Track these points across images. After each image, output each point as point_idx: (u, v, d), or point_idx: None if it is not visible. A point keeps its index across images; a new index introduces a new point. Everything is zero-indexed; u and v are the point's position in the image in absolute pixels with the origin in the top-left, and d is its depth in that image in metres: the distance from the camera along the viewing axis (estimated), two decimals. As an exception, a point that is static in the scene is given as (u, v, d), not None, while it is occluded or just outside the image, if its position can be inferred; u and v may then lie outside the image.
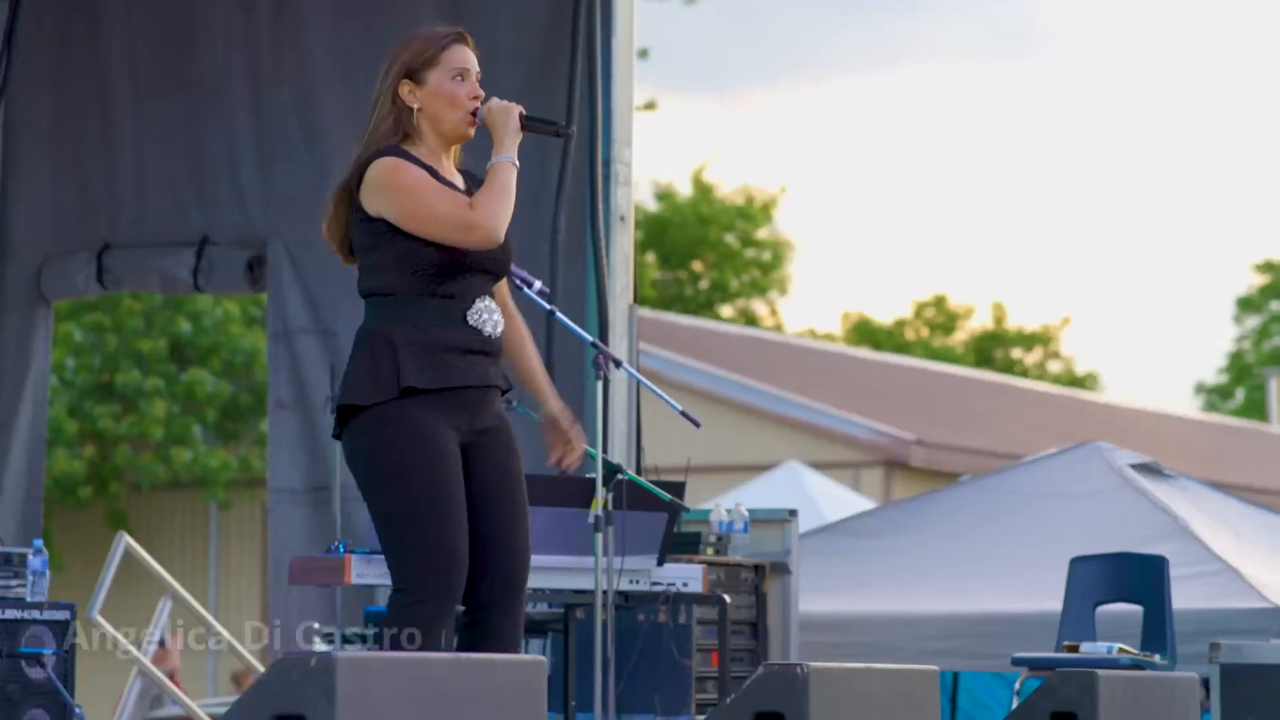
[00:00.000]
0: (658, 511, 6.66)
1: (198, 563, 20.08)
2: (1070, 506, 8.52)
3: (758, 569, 7.55)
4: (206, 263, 9.06)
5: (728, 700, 4.70)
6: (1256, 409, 35.06)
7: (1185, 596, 7.48)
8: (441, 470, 4.72)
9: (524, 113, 4.95)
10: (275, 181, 8.88)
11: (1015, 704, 6.40)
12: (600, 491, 6.11)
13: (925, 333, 36.53)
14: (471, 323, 4.81)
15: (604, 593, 6.07)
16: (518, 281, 6.27)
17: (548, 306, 6.28)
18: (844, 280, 52.71)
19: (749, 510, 7.63)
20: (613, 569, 6.10)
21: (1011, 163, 53.13)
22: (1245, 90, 52.83)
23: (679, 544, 7.47)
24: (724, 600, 6.93)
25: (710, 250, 33.72)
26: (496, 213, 4.78)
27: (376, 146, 4.84)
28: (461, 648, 4.73)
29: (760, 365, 21.35)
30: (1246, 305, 37.33)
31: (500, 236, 4.80)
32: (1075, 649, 6.83)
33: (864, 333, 35.95)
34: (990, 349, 36.36)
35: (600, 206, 8.24)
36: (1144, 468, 8.77)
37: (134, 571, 8.07)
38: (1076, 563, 7.33)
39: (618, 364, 6.23)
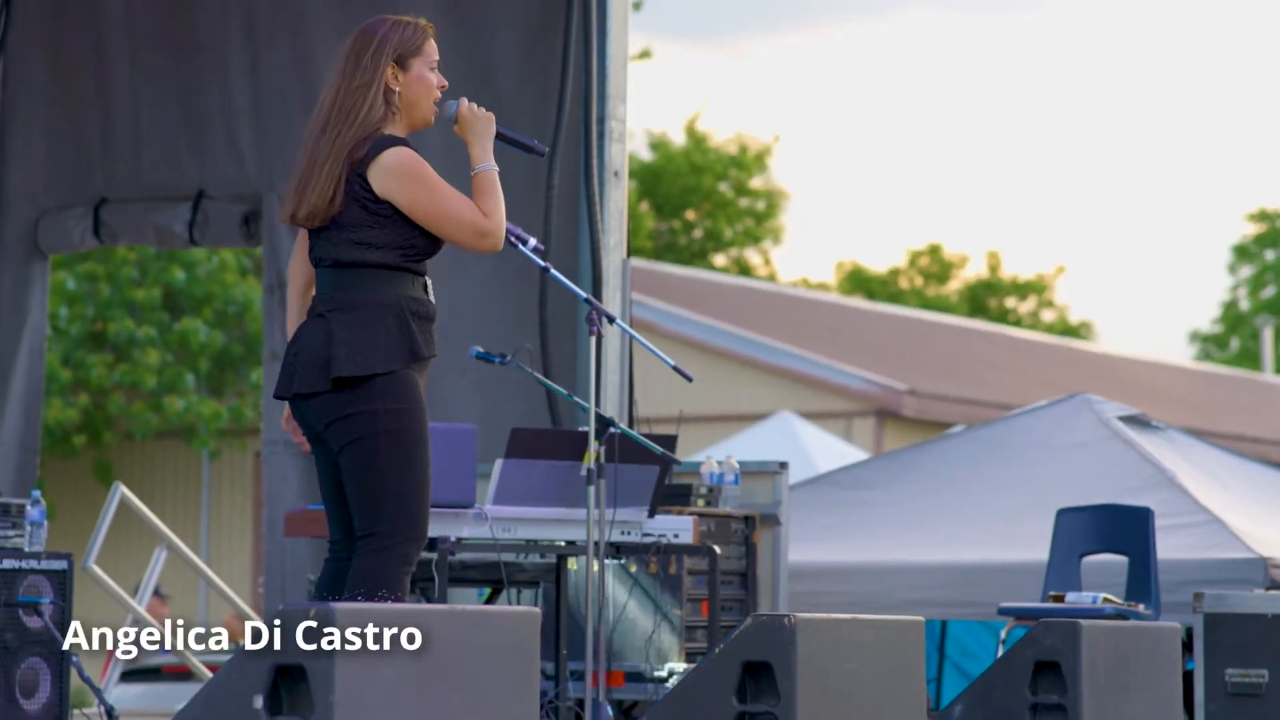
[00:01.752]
0: (649, 464, 6.74)
1: (189, 512, 20.17)
2: (1058, 458, 8.60)
3: (748, 520, 7.64)
4: (202, 217, 9.12)
5: (716, 650, 4.79)
6: (1250, 358, 35.15)
7: (1171, 547, 7.57)
8: (428, 432, 5.05)
9: (500, 129, 5.20)
10: (271, 136, 8.94)
11: (1001, 653, 6.49)
12: (592, 445, 6.19)
13: (919, 282, 36.58)
14: (430, 295, 5.12)
15: (595, 543, 6.16)
16: (513, 239, 6.33)
17: (542, 264, 6.34)
18: (838, 229, 52.74)
19: (740, 462, 7.71)
20: (604, 520, 6.18)
21: (1007, 112, 53.10)
22: (1241, 40, 52.77)
23: (670, 496, 7.56)
24: (714, 551, 7.02)
25: (704, 199, 33.73)
26: (500, 219, 5.07)
27: (374, 128, 5.02)
28: (329, 593, 4.97)
29: (753, 315, 21.41)
30: (1242, 254, 37.38)
31: (501, 244, 5.13)
32: (1061, 599, 6.92)
33: (858, 282, 36.01)
34: (984, 298, 36.41)
35: (594, 162, 8.29)
36: (1132, 419, 8.85)
37: (127, 521, 8.15)
38: (1063, 514, 7.41)
39: (611, 320, 6.30)
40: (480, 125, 5.15)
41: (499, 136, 5.22)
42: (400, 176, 4.98)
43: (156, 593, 13.02)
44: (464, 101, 5.19)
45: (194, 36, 9.09)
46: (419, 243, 5.03)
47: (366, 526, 4.94)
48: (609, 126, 8.36)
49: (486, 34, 8.65)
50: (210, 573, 8.93)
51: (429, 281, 5.14)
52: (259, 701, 3.74)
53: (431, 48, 5.14)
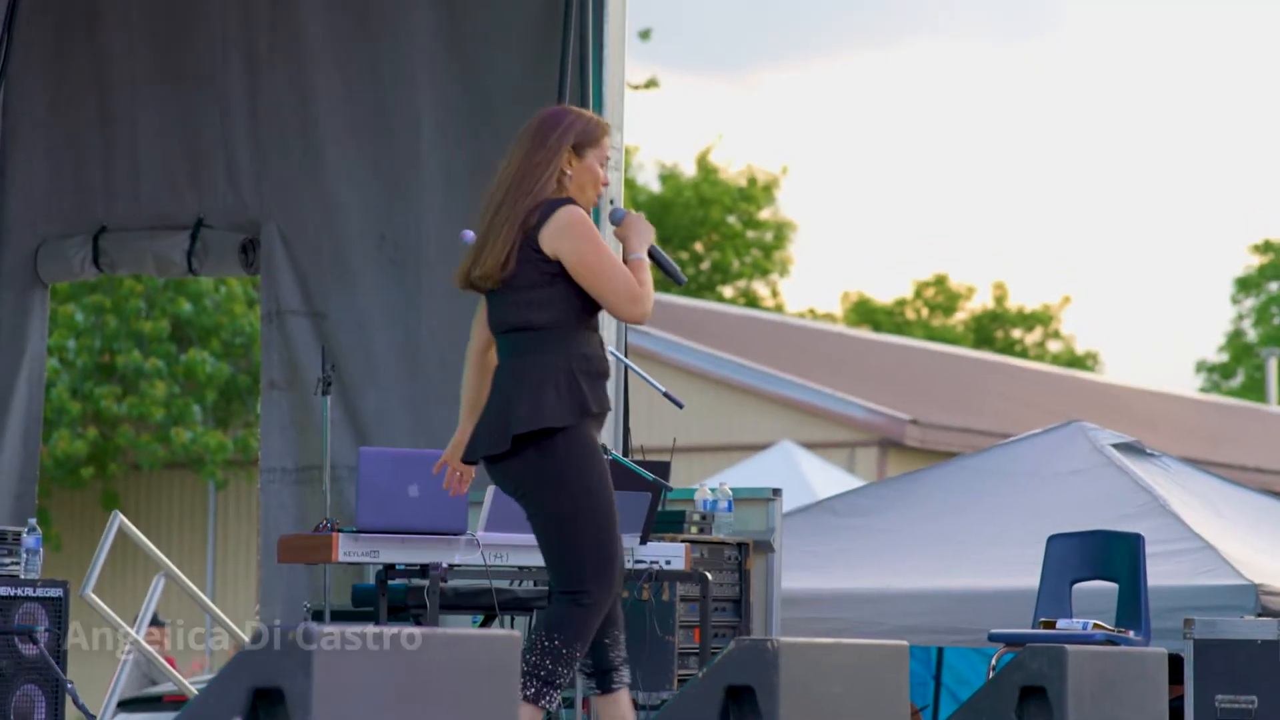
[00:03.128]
0: (642, 491, 6.76)
1: (195, 543, 20.19)
2: (1053, 485, 8.61)
3: (741, 547, 7.66)
4: (201, 245, 9.17)
5: (700, 674, 4.81)
6: (1256, 389, 35.13)
7: (1163, 573, 7.59)
8: (612, 486, 5.31)
9: (654, 246, 5.52)
10: (269, 165, 8.98)
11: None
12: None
13: (926, 313, 36.61)
14: (605, 353, 5.44)
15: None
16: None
17: (533, 289, 6.37)
18: (845, 260, 52.80)
19: (733, 489, 7.73)
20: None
21: (1013, 142, 53.17)
22: (1245, 73, 52.82)
23: (663, 523, 7.58)
24: (706, 577, 7.03)
25: (712, 231, 33.78)
26: (651, 295, 5.37)
27: (546, 196, 5.35)
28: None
29: (758, 346, 21.43)
30: (1245, 286, 37.37)
31: (647, 320, 5.44)
32: (1051, 625, 6.93)
33: (864, 313, 36.04)
34: (990, 329, 36.43)
35: (590, 191, 8.32)
36: (1126, 447, 8.86)
37: (130, 551, 8.17)
38: (1053, 540, 7.43)
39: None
40: (645, 230, 5.48)
41: (651, 251, 5.50)
42: (568, 233, 5.28)
43: (158, 622, 13.06)
44: (636, 212, 5.57)
45: (194, 66, 9.14)
46: (586, 301, 5.31)
47: (560, 583, 5.26)
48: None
49: (483, 63, 8.70)
50: (207, 601, 8.93)
51: (603, 337, 5.44)
52: (239, 723, 3.76)
53: (606, 144, 5.50)
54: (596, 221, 5.55)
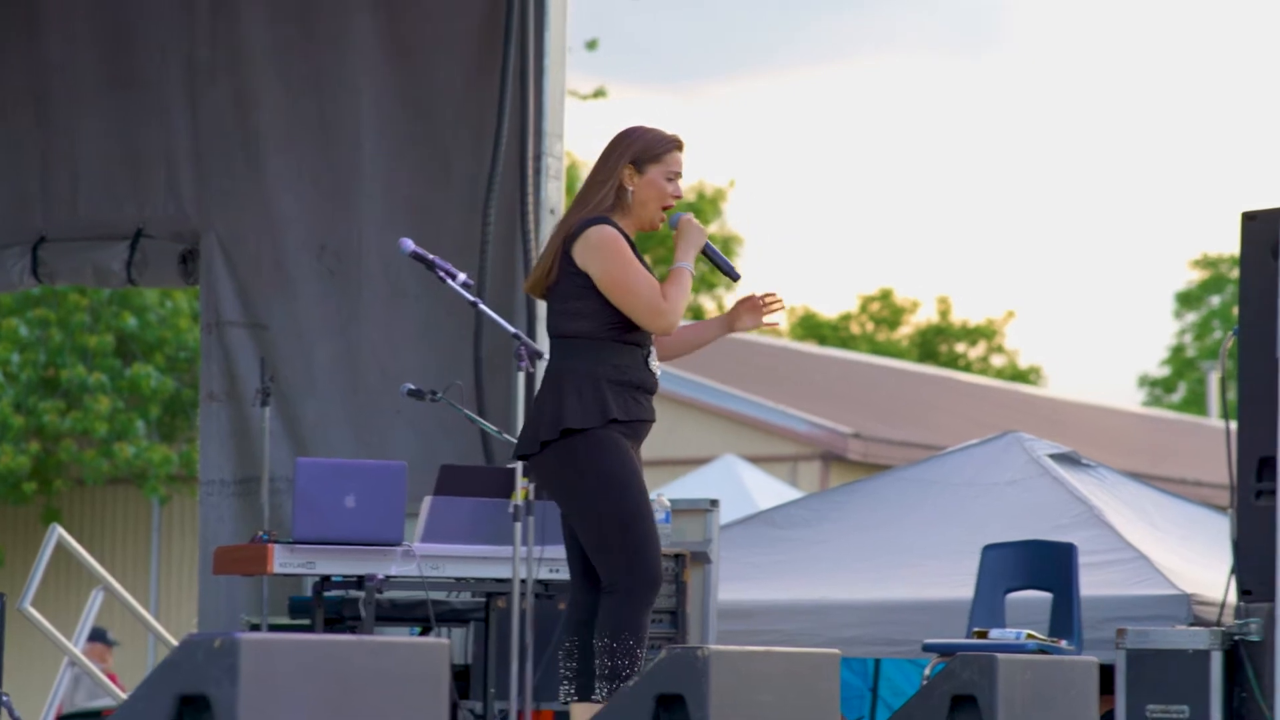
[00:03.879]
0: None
1: (139, 558, 20.09)
2: (989, 495, 8.65)
3: (678, 558, 7.67)
4: (140, 256, 9.14)
5: (629, 684, 4.82)
6: (1197, 403, 35.34)
7: (1097, 583, 7.63)
8: (642, 486, 5.55)
9: (709, 242, 5.75)
10: (210, 175, 8.96)
11: (923, 689, 6.53)
12: (520, 482, 6.22)
13: (870, 327, 36.72)
14: (650, 367, 5.65)
15: (523, 581, 6.18)
16: (441, 273, 6.38)
17: (471, 298, 6.39)
18: (791, 274, 52.88)
19: (670, 500, 7.74)
20: (533, 558, 6.21)
21: (958, 157, 53.40)
22: (1186, 89, 53.21)
23: (601, 533, 7.58)
24: (642, 588, 7.03)
25: (658, 244, 33.80)
26: (679, 307, 5.59)
27: (595, 212, 5.60)
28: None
29: (702, 360, 21.45)
30: (1186, 300, 37.62)
31: (675, 328, 5.66)
32: (985, 635, 6.97)
33: (809, 327, 36.12)
34: (935, 343, 36.56)
35: (531, 199, 8.35)
36: (1062, 457, 8.91)
37: (75, 567, 8.14)
38: (988, 550, 7.46)
39: (540, 356, 6.33)
40: (693, 234, 5.68)
41: (706, 248, 5.73)
42: (595, 249, 5.52)
43: (102, 638, 13.00)
44: (687, 215, 5.73)
45: (134, 75, 9.11)
46: (621, 314, 5.54)
47: (605, 578, 5.53)
48: (546, 164, 8.42)
49: (425, 71, 8.71)
50: (145, 614, 8.93)
51: (649, 352, 5.62)
52: (164, 731, 3.75)
53: (674, 159, 5.66)
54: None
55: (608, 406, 5.50)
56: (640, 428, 5.60)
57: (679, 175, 5.68)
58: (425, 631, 7.30)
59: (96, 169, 9.18)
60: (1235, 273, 37.67)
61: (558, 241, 5.60)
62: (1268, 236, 6.96)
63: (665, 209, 5.68)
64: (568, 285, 5.58)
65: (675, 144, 5.67)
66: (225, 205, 8.94)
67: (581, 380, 5.53)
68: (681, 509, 7.79)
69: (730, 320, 5.91)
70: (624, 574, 5.49)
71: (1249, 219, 7.07)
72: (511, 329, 6.36)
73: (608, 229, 5.54)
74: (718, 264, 5.78)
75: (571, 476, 5.54)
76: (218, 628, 8.60)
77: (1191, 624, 7.34)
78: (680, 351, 5.92)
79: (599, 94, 28.82)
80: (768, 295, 5.90)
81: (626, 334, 5.56)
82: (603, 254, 5.52)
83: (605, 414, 5.50)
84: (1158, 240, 54.19)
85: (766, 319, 5.90)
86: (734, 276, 5.81)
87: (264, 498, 7.83)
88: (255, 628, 7.43)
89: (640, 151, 5.63)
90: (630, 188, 5.61)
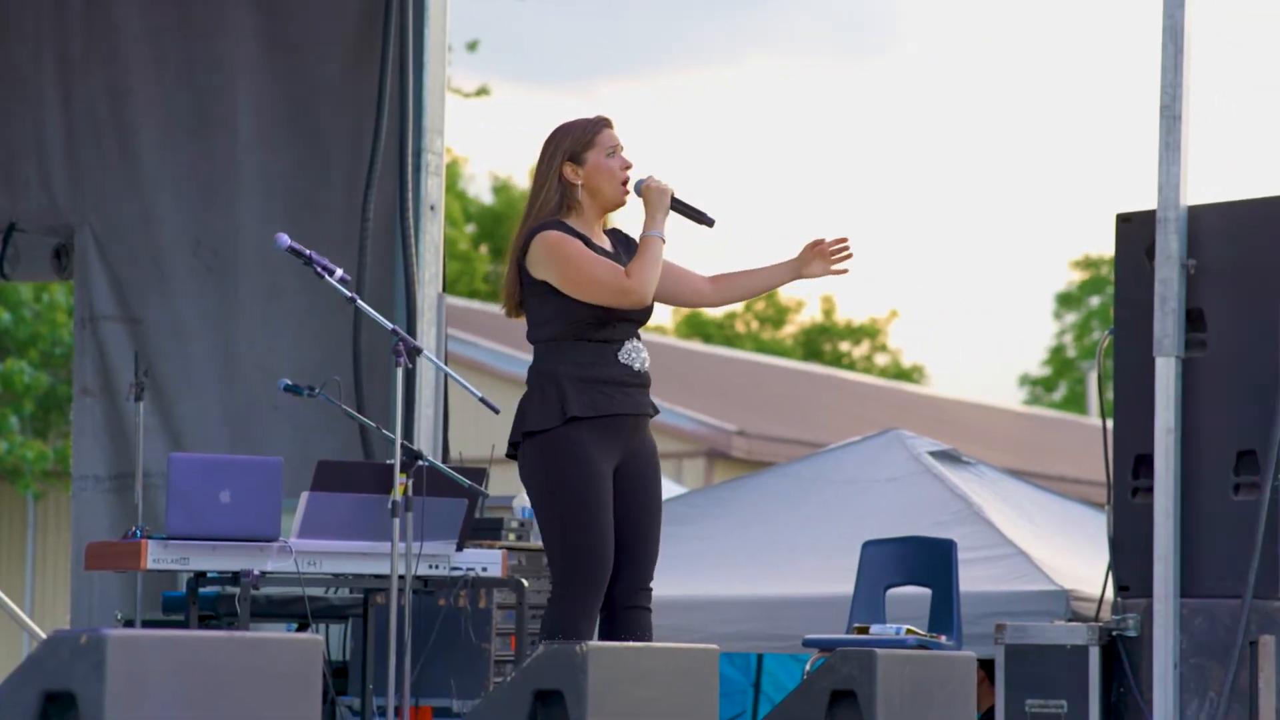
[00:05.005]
0: (458, 497, 6.72)
1: (14, 556, 19.81)
2: (869, 492, 8.68)
3: (547, 557, 7.61)
4: (13, 250, 9.02)
5: (506, 679, 4.78)
6: (1077, 402, 35.73)
7: (976, 579, 7.67)
8: (594, 490, 5.55)
9: (675, 196, 5.71)
10: (84, 169, 8.84)
11: (804, 685, 6.52)
12: (398, 477, 6.16)
13: (755, 325, 36.84)
14: (623, 360, 5.64)
15: (401, 577, 6.12)
16: (318, 269, 6.31)
17: (349, 294, 6.32)
18: (678, 274, 52.80)
19: (551, 497, 7.68)
20: (411, 554, 6.15)
21: (844, 159, 53.72)
22: (1067, 93, 53.80)
23: (482, 529, 7.54)
24: (522, 585, 7.00)
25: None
26: (646, 280, 5.59)
27: (540, 218, 5.65)
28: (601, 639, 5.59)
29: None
30: (1066, 301, 38.03)
31: (649, 299, 5.63)
32: (865, 630, 6.98)
33: (695, 326, 36.18)
34: (819, 342, 36.74)
35: (410, 195, 8.29)
36: (943, 455, 8.95)
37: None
38: (868, 546, 7.48)
39: (418, 351, 6.28)
40: (657, 198, 5.67)
41: (674, 204, 5.70)
42: (545, 259, 5.58)
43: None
44: (650, 176, 5.70)
45: (5, 67, 8.97)
46: (582, 311, 5.58)
47: (552, 577, 5.61)
48: (425, 159, 8.36)
49: (303, 65, 8.63)
50: (19, 612, 8.77)
51: (624, 346, 5.64)
52: (30, 729, 3.68)
53: (606, 136, 5.68)
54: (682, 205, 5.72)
55: (567, 404, 5.55)
56: (615, 423, 5.60)
57: (618, 148, 5.70)
58: (302, 628, 7.23)
59: (-33, 162, 9.02)
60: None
61: (513, 260, 5.66)
62: (1142, 238, 7.02)
63: (624, 183, 5.69)
64: (532, 297, 5.66)
65: (603, 123, 5.70)
66: (100, 199, 8.82)
67: (544, 381, 5.62)
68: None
69: (799, 266, 5.86)
70: (564, 579, 5.56)
71: (1124, 221, 7.14)
72: (389, 325, 6.30)
73: (550, 233, 5.59)
74: (690, 215, 5.76)
75: (531, 478, 5.63)
76: (90, 625, 8.48)
77: (1070, 620, 7.39)
78: (740, 296, 5.95)
79: (482, 91, 28.74)
80: (838, 241, 5.85)
81: (592, 331, 5.61)
82: (552, 258, 5.57)
83: (565, 412, 5.55)
84: (1040, 241, 54.79)
85: (835, 267, 5.85)
86: (709, 223, 5.79)
87: (139, 493, 7.71)
88: (130, 624, 7.32)
89: (572, 144, 5.67)
90: (578, 181, 5.66)
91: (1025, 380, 38.71)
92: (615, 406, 5.60)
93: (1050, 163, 53.78)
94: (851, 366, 35.70)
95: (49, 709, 3.72)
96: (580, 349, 5.61)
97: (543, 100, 49.54)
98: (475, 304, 25.21)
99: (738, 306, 37.12)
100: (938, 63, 53.11)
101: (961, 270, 53.82)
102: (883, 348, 37.28)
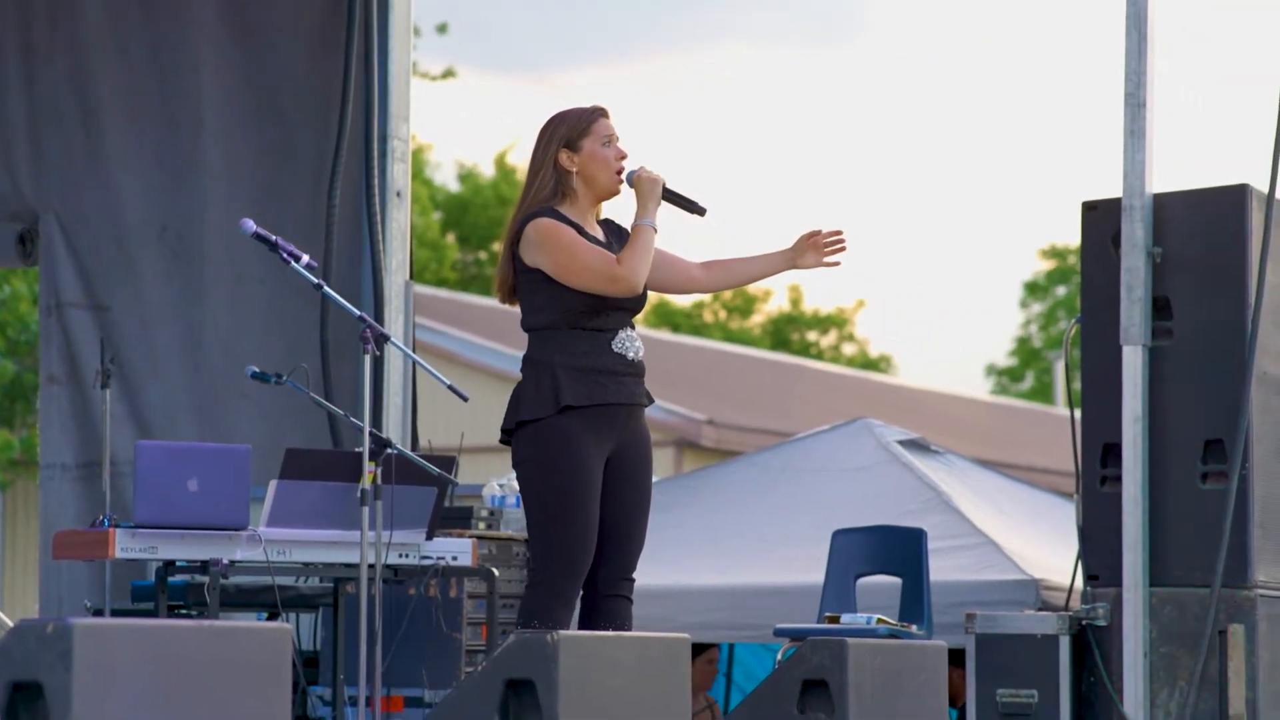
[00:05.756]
0: (428, 486, 6.69)
1: (-20, 544, 19.72)
2: (839, 481, 8.67)
3: (529, 543, 7.59)
4: (-25, 237, 8.94)
5: (478, 669, 4.76)
6: (1044, 392, 35.80)
7: (946, 568, 7.66)
8: (583, 480, 5.58)
9: (667, 186, 5.73)
10: (48, 154, 8.77)
11: (774, 674, 6.51)
12: (367, 465, 6.13)
13: (723, 315, 36.85)
14: (616, 350, 5.67)
15: (371, 566, 6.09)
16: (285, 255, 6.27)
17: (315, 281, 6.29)
18: (645, 263, 52.80)
19: (521, 485, 7.67)
20: (381, 543, 6.12)
21: (812, 147, 53.75)
22: (1036, 83, 53.90)
23: (451, 518, 7.51)
24: (492, 574, 6.98)
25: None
26: (637, 268, 5.61)
27: (534, 206, 5.66)
28: (580, 627, 5.61)
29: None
30: (1033, 290, 38.09)
31: (640, 288, 5.64)
32: (836, 620, 6.97)
33: (663, 315, 36.16)
34: (787, 331, 36.76)
35: (376, 182, 8.26)
36: (912, 444, 8.95)
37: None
38: (838, 535, 7.47)
39: (386, 339, 6.25)
40: (649, 188, 5.70)
41: (665, 194, 5.73)
42: (539, 245, 5.60)
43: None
44: (642, 167, 5.75)
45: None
46: (575, 300, 5.60)
47: (531, 564, 5.64)
48: (391, 146, 8.33)
49: (268, 50, 8.58)
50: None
51: (618, 335, 5.66)
52: (-4, 720, 3.65)
53: (602, 125, 5.71)
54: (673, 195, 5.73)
55: (561, 393, 5.57)
56: (609, 412, 5.61)
57: (614, 138, 5.73)
58: (272, 617, 7.19)
59: (-70, 147, 8.94)
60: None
61: (507, 247, 5.68)
62: (1108, 226, 7.01)
63: (619, 172, 5.74)
64: (525, 285, 5.67)
65: (599, 112, 5.73)
66: (64, 185, 8.75)
67: (539, 370, 5.63)
68: (532, 494, 7.71)
69: (793, 256, 5.92)
70: (543, 566, 5.57)
71: (1089, 209, 7.12)
72: (357, 312, 6.27)
73: (543, 220, 5.60)
74: (681, 205, 5.80)
75: (522, 465, 5.65)
76: (59, 614, 8.43)
77: (1039, 609, 7.39)
78: (733, 283, 6.01)
79: (449, 74, 28.66)
80: (833, 233, 5.90)
81: (587, 319, 5.63)
82: (545, 246, 5.59)
83: (558, 401, 5.57)
84: (1006, 231, 54.88)
85: (828, 259, 5.90)
86: (700, 212, 5.82)
87: (106, 482, 7.67)
88: (98, 614, 7.27)
89: (568, 132, 5.69)
90: (573, 169, 5.68)
91: (992, 370, 38.77)
92: (609, 396, 5.61)
93: (1018, 152, 53.89)
94: (819, 356, 35.74)
95: (16, 699, 3.68)
96: (575, 338, 5.63)
97: (509, 88, 49.48)
98: (443, 292, 25.17)
99: (705, 296, 37.13)
100: (905, 52, 53.17)
101: (928, 260, 53.92)
102: (850, 337, 37.32)
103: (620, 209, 5.99)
